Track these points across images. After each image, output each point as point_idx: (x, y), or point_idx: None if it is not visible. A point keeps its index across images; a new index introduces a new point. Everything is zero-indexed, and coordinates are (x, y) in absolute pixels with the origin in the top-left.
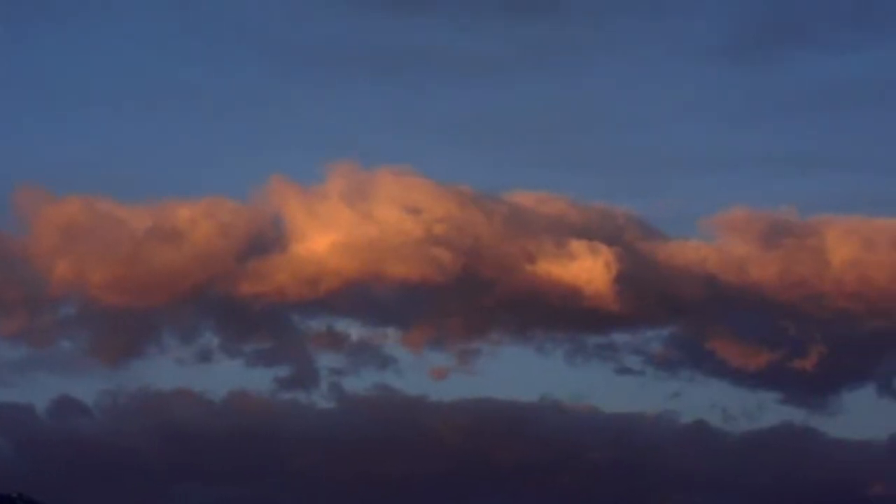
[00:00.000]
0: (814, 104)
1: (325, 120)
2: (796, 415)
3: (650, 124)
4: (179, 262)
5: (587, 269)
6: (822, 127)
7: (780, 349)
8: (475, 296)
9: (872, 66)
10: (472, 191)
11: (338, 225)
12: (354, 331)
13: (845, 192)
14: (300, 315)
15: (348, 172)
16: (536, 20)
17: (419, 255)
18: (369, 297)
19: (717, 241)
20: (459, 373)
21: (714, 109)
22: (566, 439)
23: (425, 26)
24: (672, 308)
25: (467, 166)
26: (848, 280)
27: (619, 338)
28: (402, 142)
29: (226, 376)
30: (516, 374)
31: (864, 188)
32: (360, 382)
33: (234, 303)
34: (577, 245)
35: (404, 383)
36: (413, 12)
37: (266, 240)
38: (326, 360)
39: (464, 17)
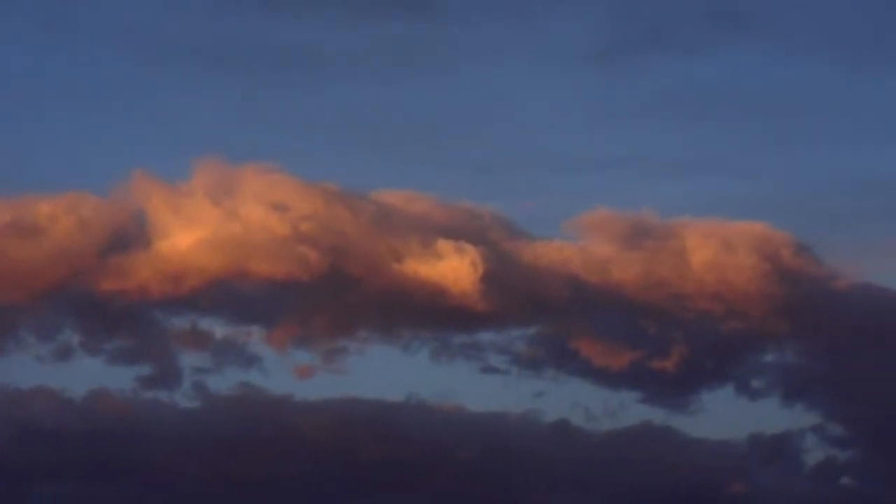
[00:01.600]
0: (675, 108)
1: (190, 116)
2: (657, 414)
3: (516, 125)
4: (39, 258)
5: (453, 268)
6: (682, 130)
7: (642, 349)
8: (341, 294)
9: (733, 70)
10: (339, 189)
11: (202, 222)
12: (218, 329)
13: (705, 195)
14: (163, 313)
15: (214, 169)
16: (405, 19)
17: (285, 252)
18: (234, 295)
19: (581, 241)
20: (325, 372)
21: (578, 112)
22: (431, 438)
23: (293, 24)
24: (537, 307)
25: (334, 164)
26: (708, 281)
27: (485, 337)
28: (269, 139)
29: (86, 374)
30: (382, 372)
31: (723, 191)
32: (224, 381)
33: (95, 300)
34: (443, 244)
35: (269, 382)
36: (282, 10)
37: (128, 236)
38: (189, 359)
39: (332, 16)
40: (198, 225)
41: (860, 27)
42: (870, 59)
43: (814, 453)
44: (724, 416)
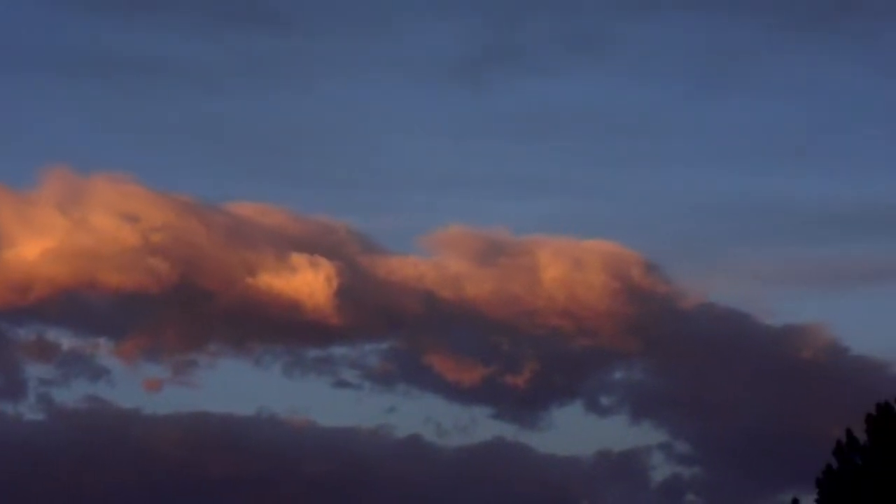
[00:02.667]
0: (530, 127)
1: (39, 124)
2: (508, 430)
3: (372, 140)
4: None
5: (308, 282)
6: (536, 149)
7: (494, 364)
8: (193, 307)
9: (587, 92)
10: (193, 200)
11: (50, 231)
12: (66, 340)
13: (557, 214)
14: (8, 323)
15: (62, 178)
16: (265, 33)
17: (135, 263)
18: (82, 306)
19: (435, 257)
20: (174, 385)
21: (435, 129)
22: (282, 453)
23: (148, 33)
24: (390, 322)
25: (188, 175)
26: (559, 298)
27: (338, 351)
28: (120, 148)
29: None
30: (233, 386)
31: (575, 210)
32: (71, 394)
33: None
34: (297, 258)
35: (117, 395)
36: (136, 19)
37: None
38: (35, 371)
39: (187, 26)
40: (45, 234)
41: (708, 53)
42: (717, 84)
43: (660, 470)
44: (573, 433)
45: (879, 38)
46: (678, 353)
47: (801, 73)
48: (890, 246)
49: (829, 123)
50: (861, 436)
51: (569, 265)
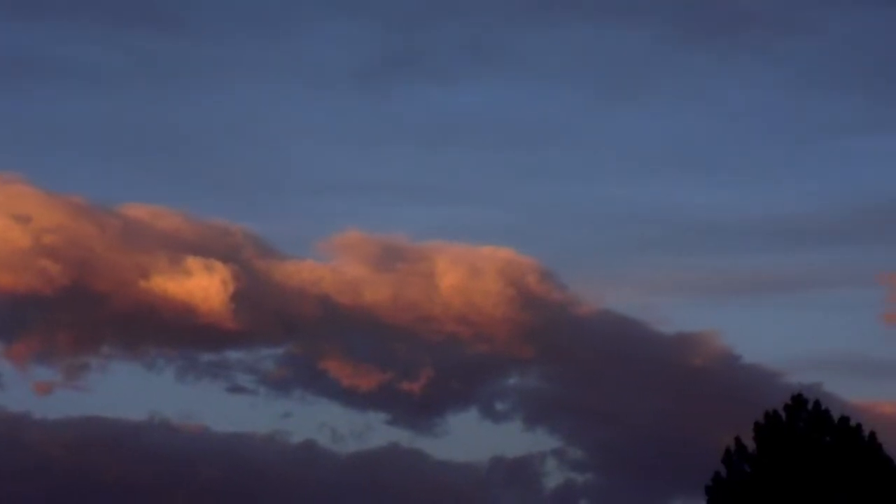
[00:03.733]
0: (429, 134)
1: None
2: (403, 436)
3: (271, 144)
4: None
5: (203, 286)
6: (435, 156)
7: (390, 370)
8: (85, 310)
9: (487, 101)
10: (86, 201)
11: None
12: None
13: (455, 220)
14: None
15: None
16: (162, 35)
17: (26, 265)
18: None
19: (333, 262)
20: (66, 388)
21: (334, 134)
22: (175, 458)
23: (42, 33)
24: (287, 327)
25: (81, 177)
26: (455, 305)
27: (233, 356)
28: (11, 149)
29: None
30: (125, 390)
31: (473, 217)
32: None
33: None
34: (192, 262)
35: (6, 399)
36: (32, 19)
37: None
38: None
39: (82, 27)
40: None
41: (607, 64)
42: (615, 94)
43: (553, 476)
44: (468, 439)
45: (775, 51)
46: (573, 359)
47: (697, 84)
48: (782, 256)
49: (724, 135)
50: (750, 444)
51: (466, 272)
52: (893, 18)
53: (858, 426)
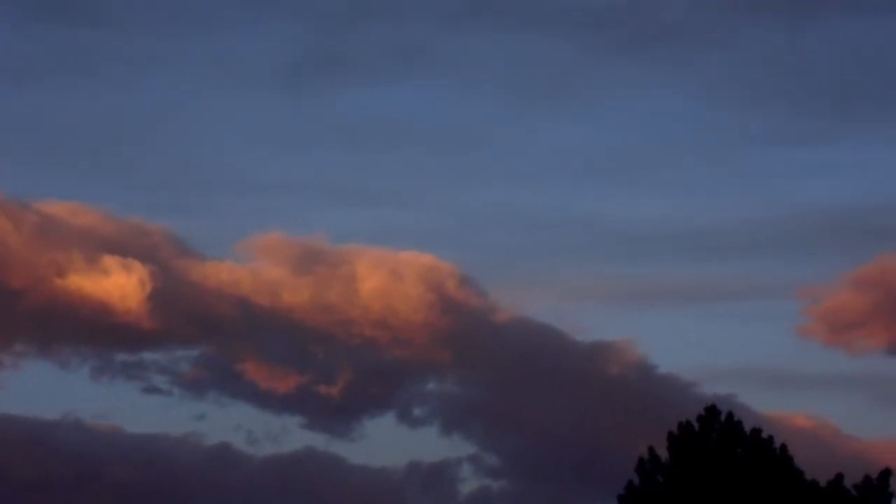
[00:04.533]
0: (353, 136)
1: None
2: (319, 440)
3: (192, 143)
4: None
5: (120, 285)
6: (358, 159)
7: (308, 373)
8: None
9: (411, 104)
10: (1, 197)
11: None
12: None
13: (376, 224)
14: None
15: None
16: (80, 27)
17: None
18: None
19: (252, 263)
20: None
21: (256, 134)
22: (88, 458)
23: None
24: (204, 328)
25: None
26: (375, 309)
27: (149, 356)
28: None
29: None
30: (38, 389)
31: (395, 221)
32: None
33: None
34: (109, 260)
35: None
36: None
37: None
38: None
39: (5, 19)
40: None
41: (531, 72)
42: (538, 102)
43: (469, 482)
44: (385, 444)
45: (696, 63)
46: (490, 366)
47: (620, 94)
48: (700, 267)
49: (645, 145)
50: (663, 453)
51: (386, 276)
52: (813, 33)
53: (770, 438)
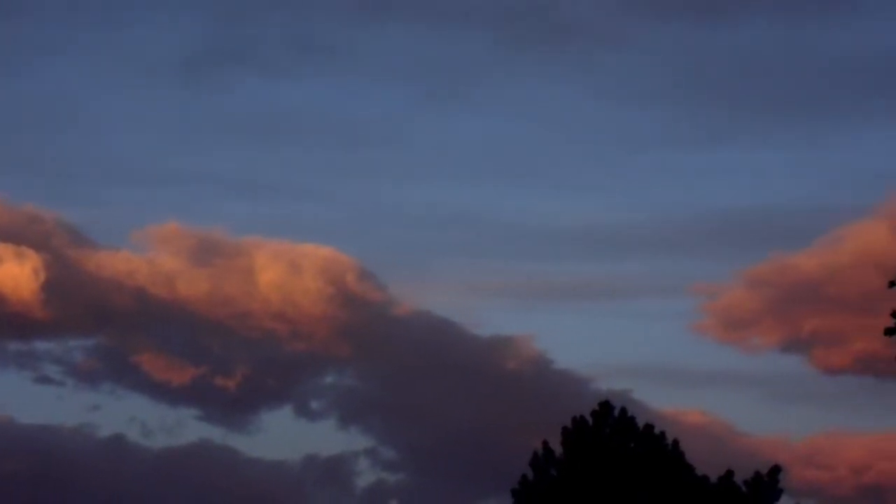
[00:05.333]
0: (253, 128)
1: None
2: (215, 432)
3: (90, 131)
4: None
5: (12, 274)
6: (259, 151)
7: (205, 366)
8: None
9: (313, 96)
10: None
11: None
12: None
13: (276, 217)
14: None
15: None
16: None
17: None
18: None
19: (149, 254)
20: None
21: (156, 124)
22: None
23: None
24: (99, 319)
25: None
26: (273, 301)
27: (41, 346)
28: None
29: None
30: None
31: (294, 214)
32: None
33: None
34: (2, 248)
35: None
36: None
37: None
38: None
39: None
40: None
41: (437, 66)
42: (443, 97)
43: (366, 476)
44: (282, 437)
45: (596, 64)
46: (389, 359)
47: (522, 91)
48: (597, 264)
49: (546, 143)
50: (558, 448)
51: (285, 269)
52: (714, 34)
53: (662, 434)
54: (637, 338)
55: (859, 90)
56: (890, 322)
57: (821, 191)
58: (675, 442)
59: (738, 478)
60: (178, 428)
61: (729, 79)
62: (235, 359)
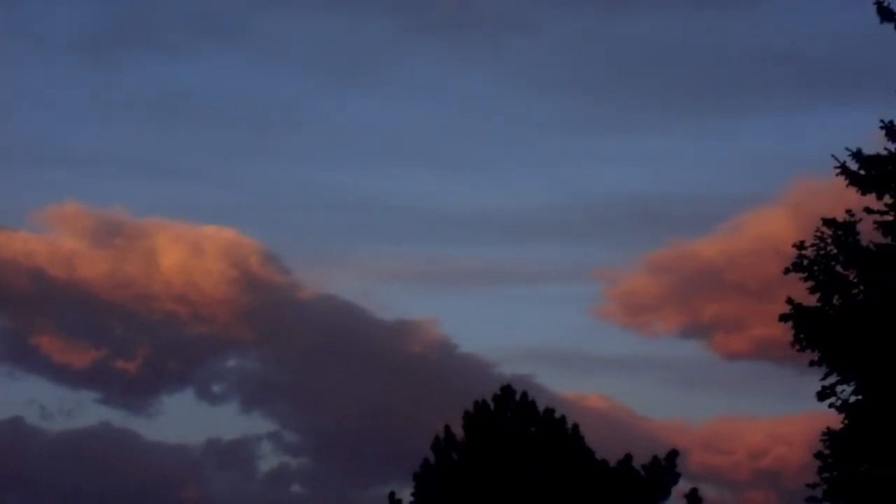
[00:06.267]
0: (154, 108)
1: None
2: (115, 415)
3: None
4: None
5: None
6: (160, 132)
7: (106, 348)
8: None
9: (215, 78)
10: None
11: None
12: None
13: (178, 198)
14: None
15: None
16: None
17: None
18: None
19: (48, 234)
20: None
21: (55, 103)
22: None
23: None
24: None
25: None
26: (175, 284)
27: None
28: None
29: None
30: None
31: (197, 195)
32: None
33: None
34: None
35: None
36: None
37: None
38: None
39: None
40: None
41: (338, 50)
42: (346, 81)
43: (268, 459)
44: (183, 420)
45: (502, 50)
46: (292, 343)
47: (429, 76)
48: (502, 249)
49: (452, 128)
50: (460, 432)
51: (187, 251)
52: (620, 23)
53: (563, 418)
54: (540, 323)
55: (761, 79)
56: (786, 308)
57: (722, 178)
58: (575, 426)
59: (637, 462)
60: (78, 411)
61: (634, 67)
62: (136, 341)
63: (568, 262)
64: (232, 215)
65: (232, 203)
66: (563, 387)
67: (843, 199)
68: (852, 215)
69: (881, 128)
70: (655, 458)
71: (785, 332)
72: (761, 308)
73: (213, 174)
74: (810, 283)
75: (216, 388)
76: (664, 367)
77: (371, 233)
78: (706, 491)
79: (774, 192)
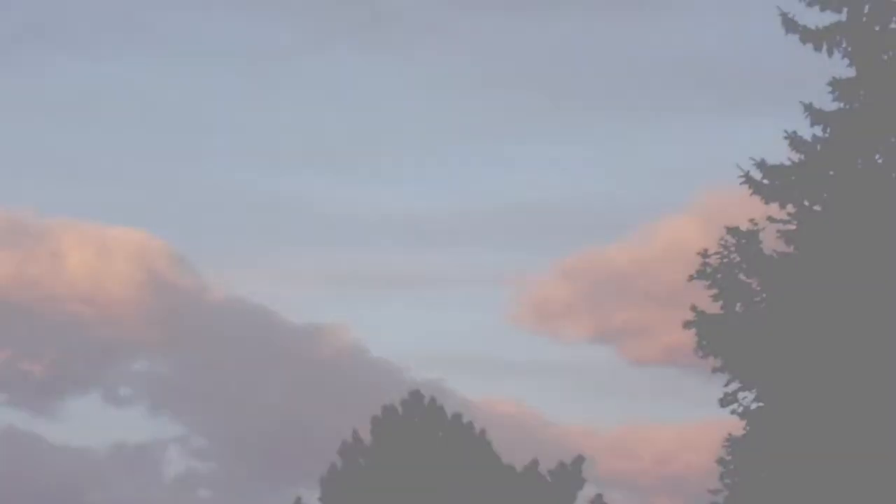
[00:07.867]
0: (59, 108)
1: None
2: (20, 418)
3: None
4: None
5: None
6: (68, 131)
7: (10, 350)
8: None
9: (122, 76)
10: None
11: None
12: None
13: (84, 198)
14: None
15: None
16: None
17: None
18: None
19: None
20: None
21: None
22: None
23: None
24: None
25: None
26: (82, 285)
27: None
28: None
29: None
30: None
31: (104, 196)
32: None
33: None
34: None
35: None
36: None
37: None
38: None
39: None
40: None
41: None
42: (257, 82)
43: (175, 464)
44: (88, 423)
45: (415, 53)
46: (201, 346)
47: (339, 79)
48: (413, 254)
49: (361, 131)
50: (368, 437)
51: (94, 252)
52: (532, 27)
53: (471, 423)
54: (452, 327)
55: (674, 87)
56: (691, 315)
57: (634, 185)
58: (483, 431)
59: (544, 467)
60: None
61: (545, 72)
62: (42, 343)
63: (479, 266)
64: (140, 216)
65: (141, 204)
66: (473, 391)
67: (752, 209)
68: (755, 224)
69: (785, 138)
70: (562, 463)
71: (690, 338)
72: (669, 315)
73: (121, 175)
74: (714, 291)
75: (123, 391)
76: (574, 373)
77: (282, 235)
78: (613, 497)
79: (686, 199)
